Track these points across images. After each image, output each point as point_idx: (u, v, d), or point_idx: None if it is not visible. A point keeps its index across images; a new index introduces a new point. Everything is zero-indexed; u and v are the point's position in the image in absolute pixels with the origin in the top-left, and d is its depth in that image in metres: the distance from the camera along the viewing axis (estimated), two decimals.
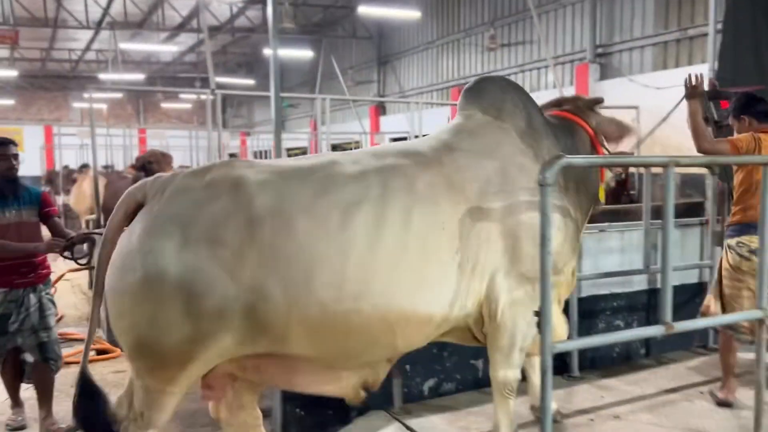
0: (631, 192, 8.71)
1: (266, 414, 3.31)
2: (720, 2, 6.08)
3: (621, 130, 3.57)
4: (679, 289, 4.43)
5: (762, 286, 2.91)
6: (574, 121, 3.43)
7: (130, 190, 2.72)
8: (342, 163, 2.70)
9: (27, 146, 18.82)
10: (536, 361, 3.24)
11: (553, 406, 2.82)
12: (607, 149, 3.50)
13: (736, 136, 4.06)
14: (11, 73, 25.27)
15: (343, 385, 2.82)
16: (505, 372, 2.97)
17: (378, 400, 3.89)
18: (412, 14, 17.07)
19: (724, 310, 4.01)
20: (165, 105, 33.58)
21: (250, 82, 26.96)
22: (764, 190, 2.90)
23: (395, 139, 18.33)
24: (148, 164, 5.84)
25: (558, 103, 3.63)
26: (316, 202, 2.55)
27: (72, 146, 17.79)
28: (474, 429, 3.74)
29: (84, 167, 14.28)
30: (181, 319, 2.42)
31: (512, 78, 16.32)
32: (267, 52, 21.60)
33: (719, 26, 5.91)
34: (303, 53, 20.75)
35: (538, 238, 2.36)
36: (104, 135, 16.19)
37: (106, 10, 19.29)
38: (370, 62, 22.55)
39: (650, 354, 5.16)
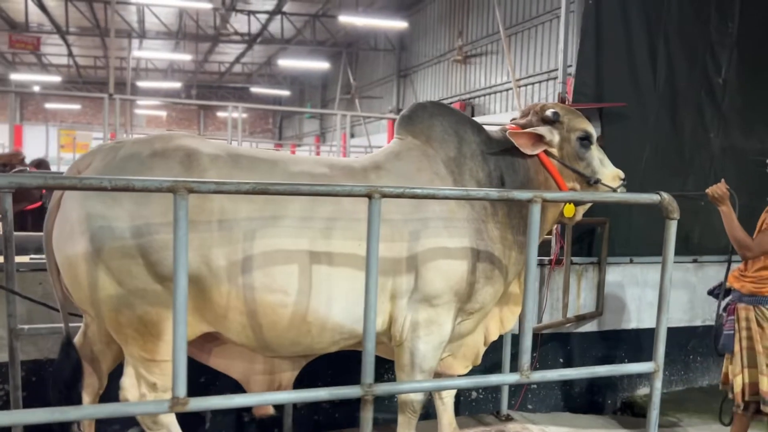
0: None
1: None
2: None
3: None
4: None
5: (659, 340, 2.76)
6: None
7: (78, 160, 2.75)
8: (286, 162, 2.83)
9: None
10: (445, 394, 3.42)
11: None
12: (570, 167, 3.16)
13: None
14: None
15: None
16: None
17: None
18: (399, 24, 16.68)
19: None
20: (221, 114, 34.65)
21: (286, 93, 27.35)
22: None
23: None
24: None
25: (525, 114, 3.31)
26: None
27: None
28: None
29: None
30: (149, 280, 2.48)
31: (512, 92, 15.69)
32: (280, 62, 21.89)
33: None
34: (319, 65, 20.82)
35: (441, 265, 2.67)
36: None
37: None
38: (391, 75, 22.34)
39: None
